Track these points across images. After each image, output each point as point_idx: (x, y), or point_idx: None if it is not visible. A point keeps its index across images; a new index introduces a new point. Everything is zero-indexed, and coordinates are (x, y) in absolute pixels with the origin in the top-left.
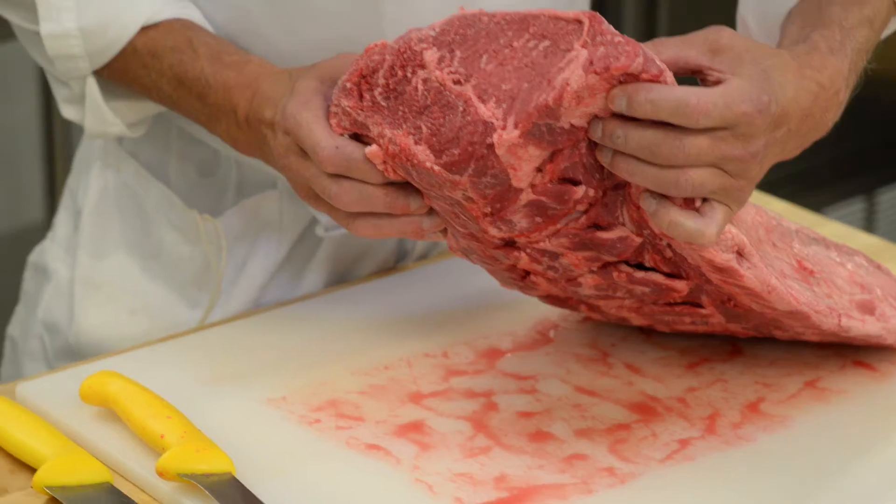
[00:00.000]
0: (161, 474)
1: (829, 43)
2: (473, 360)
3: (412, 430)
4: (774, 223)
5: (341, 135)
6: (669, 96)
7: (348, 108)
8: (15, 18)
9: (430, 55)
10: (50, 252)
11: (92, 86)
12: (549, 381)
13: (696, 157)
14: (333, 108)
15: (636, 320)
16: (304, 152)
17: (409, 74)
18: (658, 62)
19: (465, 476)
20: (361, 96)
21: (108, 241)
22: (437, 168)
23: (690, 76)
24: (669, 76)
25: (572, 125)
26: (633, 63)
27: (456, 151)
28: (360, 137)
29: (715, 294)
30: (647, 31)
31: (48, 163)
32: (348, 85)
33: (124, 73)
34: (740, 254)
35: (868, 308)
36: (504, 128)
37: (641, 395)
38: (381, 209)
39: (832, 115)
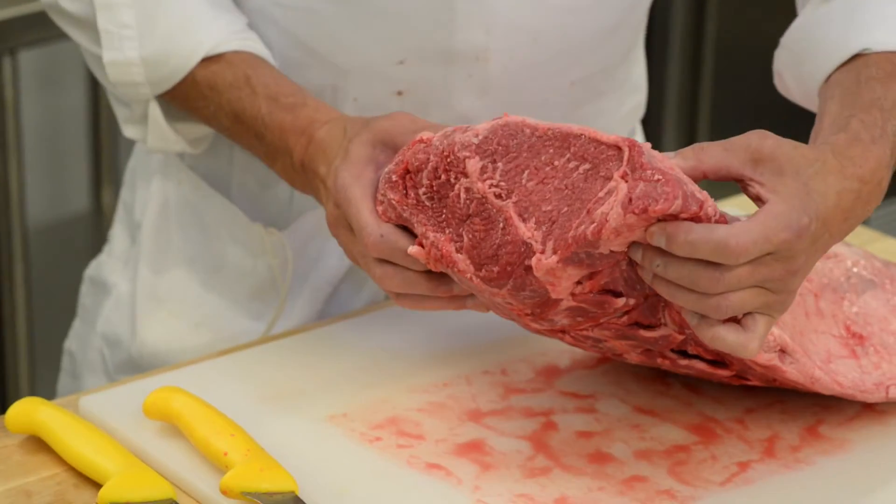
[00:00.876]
0: (225, 492)
1: (871, 131)
2: (532, 378)
3: (472, 449)
4: (826, 281)
5: (388, 223)
6: (709, 238)
7: (394, 202)
8: (80, 40)
9: (473, 165)
10: (108, 266)
11: (154, 109)
12: (608, 401)
13: (737, 285)
14: (380, 197)
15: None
16: (351, 228)
17: (452, 180)
18: (698, 195)
19: (525, 497)
20: (406, 192)
21: (169, 255)
22: (475, 279)
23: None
24: (710, 205)
25: (612, 251)
26: (672, 206)
27: (495, 269)
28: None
29: (760, 375)
30: (694, 44)
31: (94, 153)
32: (394, 178)
33: (184, 100)
34: (783, 351)
35: None
36: (543, 252)
37: (700, 415)
38: (424, 292)
39: (874, 204)
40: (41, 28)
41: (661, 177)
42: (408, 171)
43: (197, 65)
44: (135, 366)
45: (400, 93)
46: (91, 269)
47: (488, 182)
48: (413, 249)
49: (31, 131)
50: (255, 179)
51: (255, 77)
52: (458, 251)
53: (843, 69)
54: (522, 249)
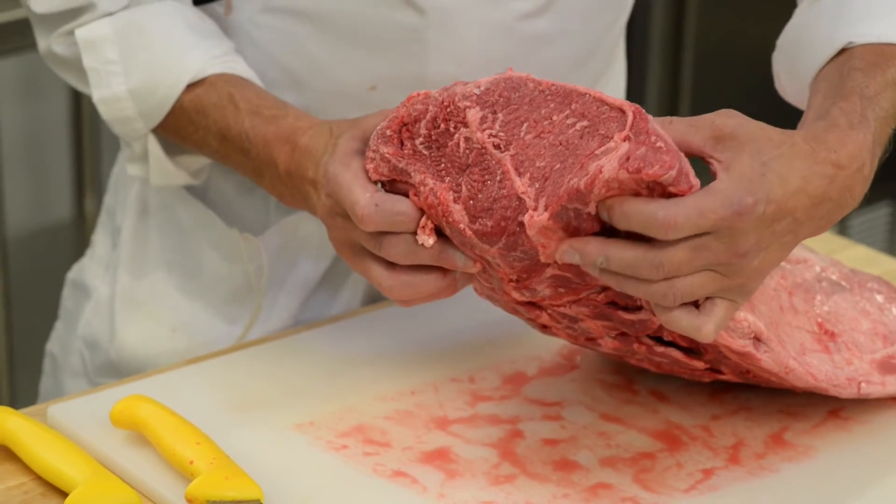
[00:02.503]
0: (190, 501)
1: (850, 117)
2: (499, 386)
3: (438, 456)
4: (799, 280)
5: (378, 181)
6: (641, 210)
7: (387, 155)
8: (75, 83)
9: (473, 114)
10: (89, 270)
11: (153, 143)
12: (575, 408)
13: (677, 270)
14: (371, 154)
15: (656, 370)
16: (346, 214)
17: (451, 129)
18: (692, 178)
19: None
20: (402, 144)
21: (148, 260)
22: (469, 232)
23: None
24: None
25: (595, 214)
26: (665, 174)
27: (489, 223)
28: (395, 184)
29: (734, 366)
30: (673, 45)
31: (77, 161)
32: (388, 132)
33: (176, 130)
34: (757, 339)
35: (889, 367)
36: (535, 209)
37: (666, 422)
38: (428, 261)
39: (858, 191)
40: (20, 36)
41: (663, 145)
42: (404, 124)
43: (183, 91)
44: (114, 369)
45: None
46: (73, 273)
47: (487, 132)
48: (408, 200)
49: (12, 139)
50: (232, 185)
51: (238, 94)
52: (455, 201)
53: (830, 64)
54: (516, 204)
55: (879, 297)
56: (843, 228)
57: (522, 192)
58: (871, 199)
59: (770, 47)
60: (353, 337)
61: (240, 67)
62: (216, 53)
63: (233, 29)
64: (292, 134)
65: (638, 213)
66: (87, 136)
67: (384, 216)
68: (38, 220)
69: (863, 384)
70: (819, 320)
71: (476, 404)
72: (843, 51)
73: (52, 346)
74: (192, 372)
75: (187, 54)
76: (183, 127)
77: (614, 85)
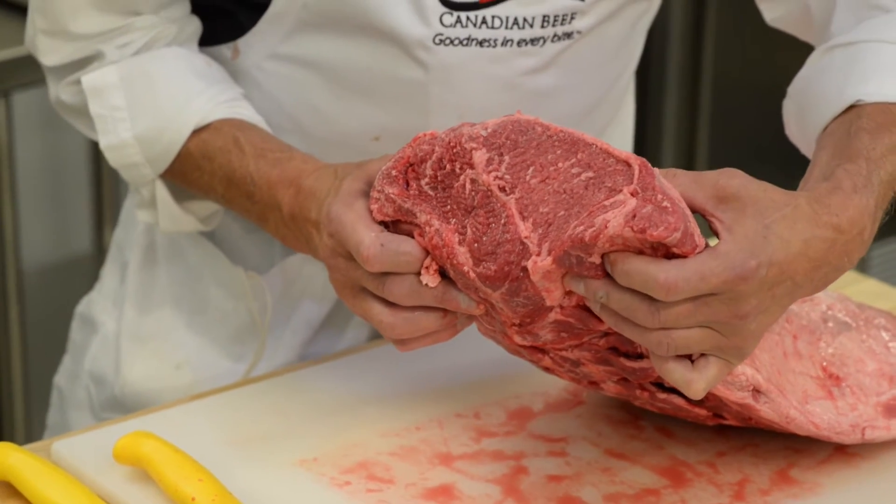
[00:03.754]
0: None
1: (854, 179)
2: (504, 422)
3: (442, 493)
4: (805, 322)
5: (382, 221)
6: (642, 270)
7: (392, 196)
8: (84, 130)
9: (479, 156)
10: (97, 304)
11: (161, 189)
12: (580, 444)
13: (675, 322)
14: (375, 195)
15: (660, 412)
16: (349, 255)
17: (457, 170)
18: (696, 238)
19: None
20: (408, 184)
21: (154, 296)
22: (473, 275)
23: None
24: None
25: (598, 265)
26: (670, 236)
27: (493, 266)
28: (399, 225)
29: (736, 413)
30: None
31: (96, 194)
32: (394, 172)
33: (183, 175)
34: (757, 391)
35: (894, 410)
36: (539, 254)
37: (671, 459)
38: (431, 302)
39: (856, 255)
40: (39, 70)
41: (669, 205)
42: (410, 165)
43: (189, 137)
44: (118, 404)
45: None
46: (82, 306)
47: (493, 174)
48: (413, 241)
49: (32, 172)
50: (238, 224)
51: (244, 138)
52: (460, 243)
53: (838, 120)
54: (520, 249)
55: (885, 335)
56: (859, 262)
57: (526, 237)
58: (886, 232)
59: (786, 86)
60: (357, 373)
61: (246, 112)
62: (222, 99)
63: (239, 73)
64: (297, 177)
65: (639, 272)
66: (106, 170)
67: (389, 256)
68: (56, 253)
69: (867, 430)
70: (824, 364)
71: (481, 440)
72: (851, 106)
73: (60, 379)
74: (195, 408)
75: (193, 100)
76: (189, 172)
77: (621, 133)
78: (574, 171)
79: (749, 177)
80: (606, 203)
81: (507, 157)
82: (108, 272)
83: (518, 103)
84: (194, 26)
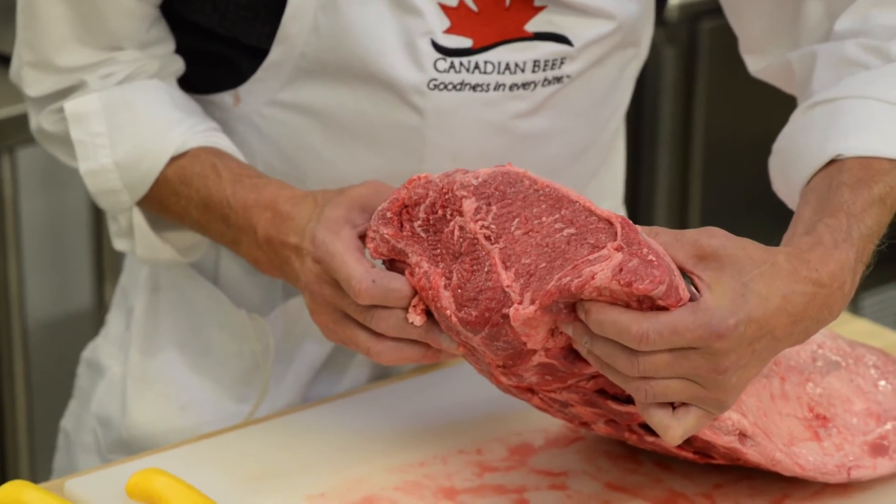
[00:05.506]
0: None
1: (835, 234)
2: (506, 457)
3: None
4: (793, 363)
5: (378, 258)
6: (615, 320)
7: (387, 236)
8: (64, 157)
9: (469, 204)
10: (103, 349)
11: (138, 216)
12: (580, 478)
13: (654, 372)
14: (371, 234)
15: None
16: (336, 282)
17: (448, 216)
18: (681, 291)
19: None
20: (402, 225)
21: (159, 338)
22: (455, 319)
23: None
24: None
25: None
26: (655, 289)
27: (474, 312)
28: (394, 263)
29: (724, 454)
30: (682, 138)
31: (97, 249)
32: (389, 214)
33: (160, 202)
34: (743, 435)
35: (880, 449)
36: (521, 302)
37: (669, 491)
38: (415, 337)
39: (837, 309)
40: None
41: (654, 258)
42: (404, 206)
43: (167, 163)
44: (125, 446)
45: None
46: (87, 352)
47: (480, 223)
48: (404, 278)
49: (33, 228)
50: (240, 266)
51: (221, 164)
52: (445, 287)
53: (819, 175)
54: (501, 297)
55: (875, 373)
56: (854, 309)
57: (508, 286)
58: (882, 279)
59: (776, 140)
60: (363, 411)
61: (223, 142)
62: (200, 129)
63: (240, 119)
64: (274, 201)
65: (612, 322)
66: (106, 225)
67: (380, 292)
68: (58, 308)
69: (853, 470)
70: (811, 404)
71: (483, 475)
72: (833, 160)
73: (67, 422)
74: (204, 446)
75: (172, 128)
76: (166, 198)
77: (612, 176)
78: (557, 226)
79: (729, 235)
80: (590, 258)
81: (494, 208)
82: (114, 317)
83: (510, 146)
84: (177, 66)
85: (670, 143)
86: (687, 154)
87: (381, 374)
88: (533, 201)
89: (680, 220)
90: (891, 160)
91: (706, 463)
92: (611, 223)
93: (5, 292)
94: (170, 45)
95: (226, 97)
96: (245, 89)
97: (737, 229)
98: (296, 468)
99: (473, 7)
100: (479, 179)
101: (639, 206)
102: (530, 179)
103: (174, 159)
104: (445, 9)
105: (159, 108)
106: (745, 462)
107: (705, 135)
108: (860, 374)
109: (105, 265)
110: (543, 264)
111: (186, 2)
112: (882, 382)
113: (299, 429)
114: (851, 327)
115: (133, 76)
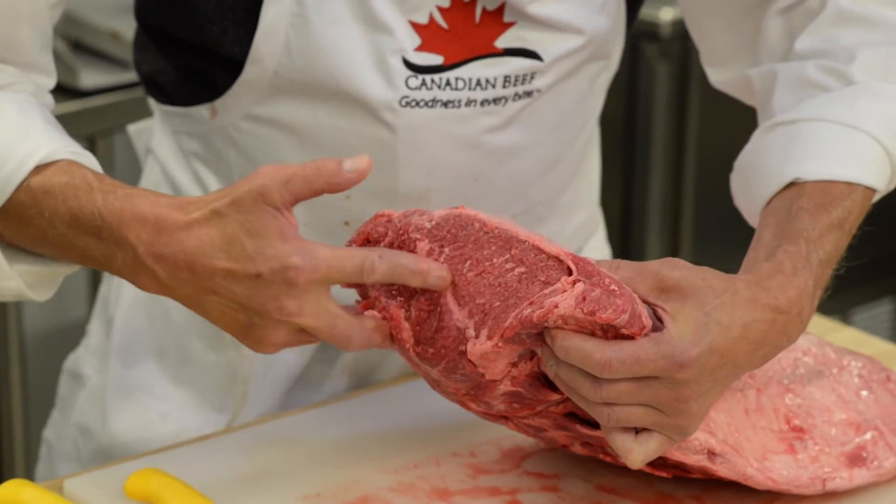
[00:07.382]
0: None
1: (794, 261)
2: (499, 459)
3: None
4: (770, 374)
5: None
6: (579, 347)
7: None
8: None
9: (422, 247)
10: (84, 359)
11: None
12: (572, 480)
13: (617, 399)
14: None
15: None
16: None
17: None
18: (644, 318)
19: None
20: None
21: (138, 348)
22: (412, 353)
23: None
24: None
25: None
26: (618, 318)
27: (430, 350)
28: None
29: (699, 471)
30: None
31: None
32: (354, 247)
33: (19, 216)
34: (712, 453)
35: (858, 459)
36: (477, 337)
37: (659, 493)
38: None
39: (795, 335)
40: None
41: (616, 288)
42: (368, 241)
43: (31, 173)
44: (105, 455)
45: (347, 223)
46: (69, 362)
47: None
48: (368, 312)
49: None
50: None
51: (91, 175)
52: (406, 319)
53: (779, 197)
54: (455, 335)
55: (858, 381)
56: (841, 320)
57: (462, 325)
58: (874, 294)
59: None
60: (354, 414)
61: (90, 161)
62: (72, 147)
63: (217, 132)
64: (153, 216)
65: (577, 349)
66: None
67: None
68: (55, 319)
69: (827, 481)
70: (788, 415)
71: (477, 477)
72: (792, 183)
73: (49, 433)
74: (200, 447)
75: (40, 136)
76: (27, 208)
77: (586, 185)
78: (507, 266)
79: (690, 266)
80: (545, 293)
81: (446, 250)
82: (94, 328)
83: (483, 161)
84: (48, 101)
85: (663, 157)
86: (680, 169)
87: (360, 384)
88: (483, 243)
89: (672, 234)
90: (849, 184)
91: (682, 475)
92: (559, 260)
93: (3, 303)
94: (50, 79)
95: (203, 110)
96: (221, 103)
97: (729, 243)
98: (292, 469)
99: (444, 24)
100: (433, 222)
101: (632, 220)
102: (480, 222)
103: (38, 168)
104: (416, 26)
105: (30, 117)
106: (719, 478)
107: (698, 150)
108: (843, 382)
109: (101, 277)
110: (497, 303)
111: (162, 14)
112: (864, 392)
113: (290, 431)
114: (841, 335)
115: (7, 87)
